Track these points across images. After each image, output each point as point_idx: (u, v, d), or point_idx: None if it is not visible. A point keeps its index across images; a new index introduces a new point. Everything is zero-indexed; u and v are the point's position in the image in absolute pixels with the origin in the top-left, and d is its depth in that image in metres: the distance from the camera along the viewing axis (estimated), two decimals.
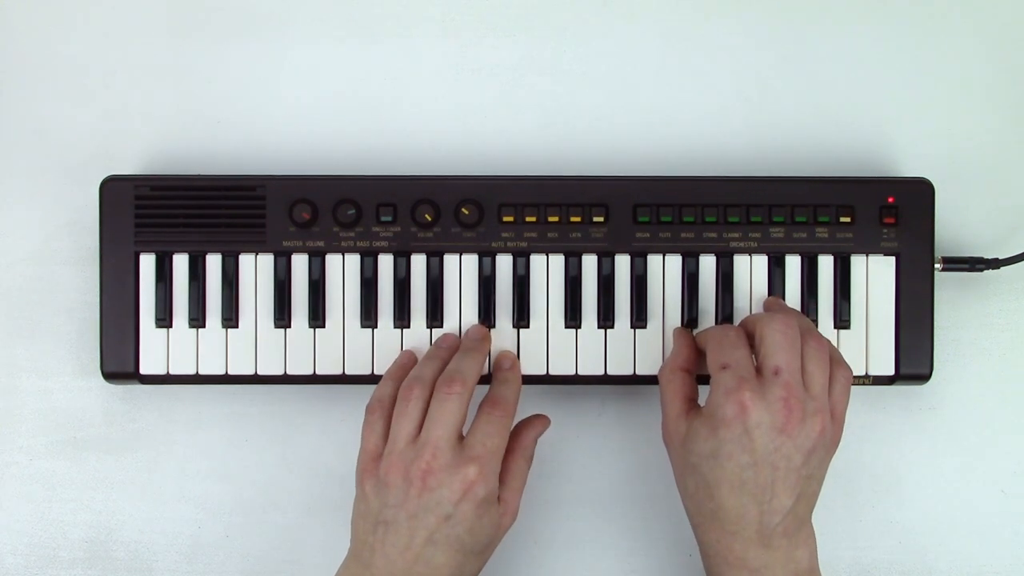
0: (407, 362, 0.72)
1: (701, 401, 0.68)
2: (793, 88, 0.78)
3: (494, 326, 0.73)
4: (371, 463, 0.66)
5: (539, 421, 0.72)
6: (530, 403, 0.76)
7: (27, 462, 0.76)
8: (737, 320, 0.73)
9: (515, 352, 0.73)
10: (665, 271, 0.73)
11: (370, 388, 0.69)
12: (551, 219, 0.73)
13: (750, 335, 0.67)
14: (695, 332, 0.72)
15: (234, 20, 0.78)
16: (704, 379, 0.68)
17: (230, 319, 0.73)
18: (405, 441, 0.65)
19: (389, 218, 0.73)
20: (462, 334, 0.73)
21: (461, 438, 0.65)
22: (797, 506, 0.63)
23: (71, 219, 0.77)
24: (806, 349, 0.65)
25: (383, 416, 0.67)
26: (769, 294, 0.73)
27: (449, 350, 0.70)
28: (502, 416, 0.66)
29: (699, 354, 0.70)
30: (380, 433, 0.66)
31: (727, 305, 0.73)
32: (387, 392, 0.68)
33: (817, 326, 0.73)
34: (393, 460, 0.64)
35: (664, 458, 0.69)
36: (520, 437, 0.70)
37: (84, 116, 0.77)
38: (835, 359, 0.66)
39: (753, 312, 0.73)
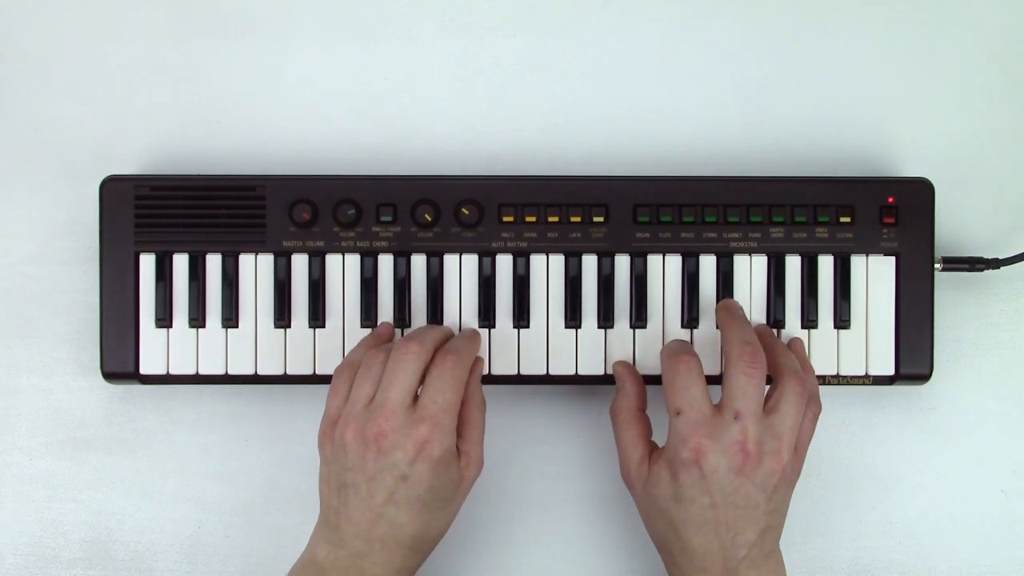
0: (384, 332, 0.72)
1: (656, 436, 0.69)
2: (793, 88, 0.78)
3: (494, 326, 0.73)
4: (330, 427, 0.66)
5: (475, 365, 0.70)
6: (530, 403, 0.76)
7: (27, 462, 0.76)
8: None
9: (516, 353, 0.73)
10: (665, 271, 0.73)
11: None
12: (551, 219, 0.73)
13: (724, 351, 0.67)
14: (663, 346, 0.72)
15: (234, 20, 0.78)
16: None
17: (230, 319, 0.73)
18: (362, 404, 0.65)
19: (389, 218, 0.73)
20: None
21: (416, 399, 0.65)
22: (762, 540, 0.65)
23: (71, 219, 0.77)
24: (786, 388, 0.65)
25: (348, 380, 0.67)
26: (769, 294, 0.73)
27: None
28: (454, 366, 0.66)
29: (644, 387, 0.71)
30: (343, 396, 0.66)
31: None
32: (358, 357, 0.68)
33: (817, 326, 0.73)
34: (349, 422, 0.64)
35: None
36: (467, 386, 0.69)
37: (84, 116, 0.77)
38: (812, 394, 0.67)
39: (751, 309, 0.73)
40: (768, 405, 0.65)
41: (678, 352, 0.67)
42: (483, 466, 0.68)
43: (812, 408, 0.67)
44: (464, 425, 0.68)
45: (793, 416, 0.65)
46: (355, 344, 0.72)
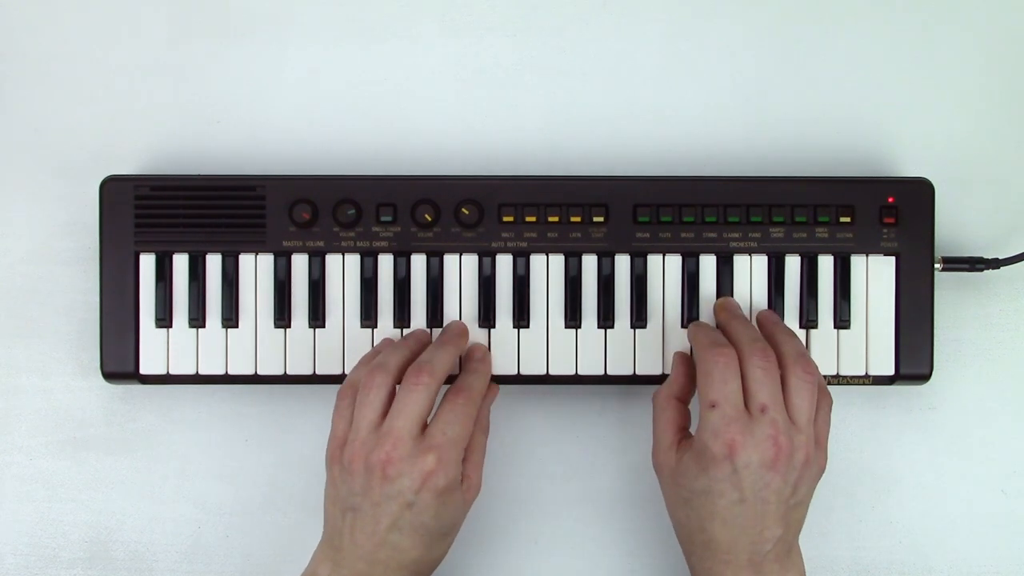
0: (384, 350, 0.71)
1: (693, 426, 0.68)
2: (793, 88, 0.78)
3: (494, 326, 0.73)
4: (338, 449, 0.66)
5: (489, 392, 0.71)
6: (530, 403, 0.76)
7: (27, 462, 0.76)
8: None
9: (487, 346, 0.73)
10: (665, 271, 0.73)
11: None
12: (551, 219, 0.73)
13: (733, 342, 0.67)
14: (692, 327, 0.72)
15: (234, 20, 0.78)
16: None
17: (230, 319, 0.73)
18: (367, 429, 0.65)
19: (389, 218, 0.73)
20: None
21: (425, 428, 0.65)
22: (786, 533, 0.65)
23: (71, 219, 0.77)
24: (793, 379, 0.65)
25: (352, 402, 0.67)
26: (769, 294, 0.73)
27: (419, 342, 0.70)
28: (465, 404, 0.66)
29: (694, 383, 0.70)
30: (348, 418, 0.67)
31: None
32: (359, 377, 0.68)
33: (817, 326, 0.73)
34: (356, 448, 0.65)
35: None
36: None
37: (84, 116, 0.77)
38: (820, 386, 0.67)
39: (751, 309, 0.73)
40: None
41: (717, 344, 0.66)
42: (480, 490, 0.69)
43: (824, 401, 0.67)
44: (467, 448, 0.68)
45: (808, 406, 0.65)
46: (355, 346, 0.72)
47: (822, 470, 0.66)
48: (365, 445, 0.64)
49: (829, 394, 0.68)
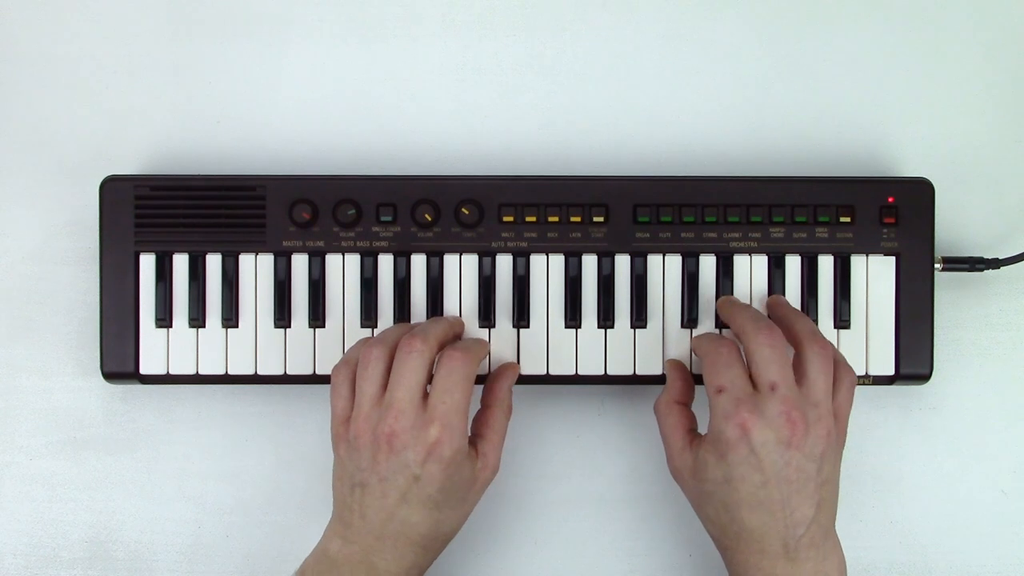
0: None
1: (701, 429, 0.68)
2: (793, 88, 0.78)
3: (494, 326, 0.73)
4: (341, 427, 0.66)
5: (508, 370, 0.71)
6: (530, 403, 0.76)
7: (27, 462, 0.76)
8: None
9: (516, 353, 0.73)
10: (665, 271, 0.73)
11: None
12: (551, 219, 0.73)
13: (739, 336, 0.67)
14: (693, 335, 0.72)
15: (234, 20, 0.78)
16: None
17: (230, 319, 0.73)
18: (369, 403, 0.65)
19: (389, 218, 0.73)
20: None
21: (426, 396, 0.65)
22: (819, 515, 0.64)
23: (71, 219, 0.77)
24: (808, 354, 0.65)
25: (347, 378, 0.67)
26: (769, 294, 0.73)
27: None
28: (462, 364, 0.65)
29: (692, 384, 0.70)
30: (346, 396, 0.67)
31: None
32: (355, 355, 0.68)
33: (817, 326, 0.73)
34: (360, 423, 0.65)
35: (663, 458, 0.69)
36: (494, 391, 0.70)
37: (84, 116, 0.77)
38: (839, 362, 0.67)
39: (757, 304, 0.73)
40: (796, 376, 0.65)
41: (719, 337, 0.67)
42: (499, 470, 0.68)
43: (846, 376, 0.66)
44: (487, 427, 0.68)
45: (824, 380, 0.64)
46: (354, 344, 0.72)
47: (842, 445, 0.66)
48: (369, 419, 0.64)
49: (851, 369, 0.67)
